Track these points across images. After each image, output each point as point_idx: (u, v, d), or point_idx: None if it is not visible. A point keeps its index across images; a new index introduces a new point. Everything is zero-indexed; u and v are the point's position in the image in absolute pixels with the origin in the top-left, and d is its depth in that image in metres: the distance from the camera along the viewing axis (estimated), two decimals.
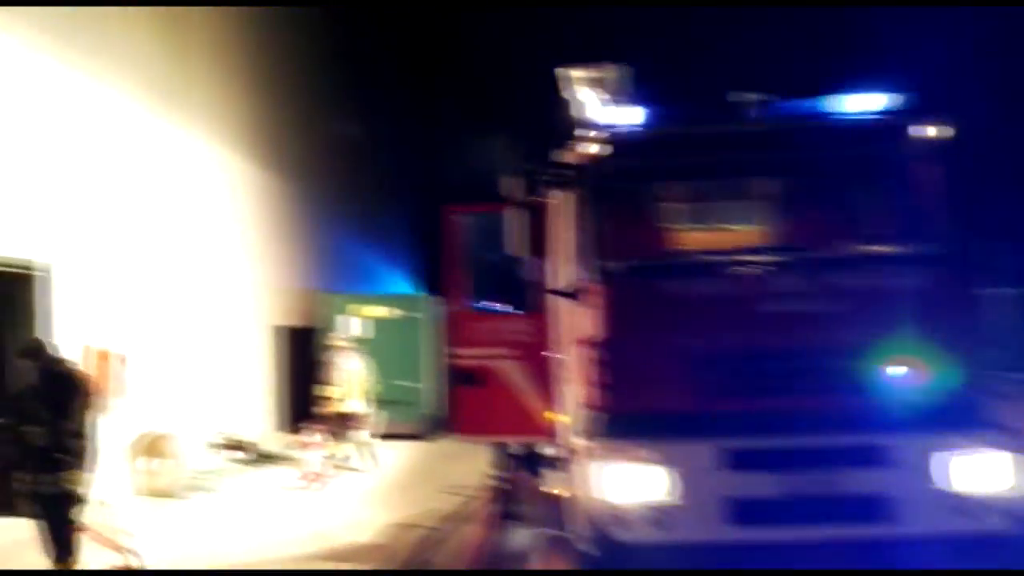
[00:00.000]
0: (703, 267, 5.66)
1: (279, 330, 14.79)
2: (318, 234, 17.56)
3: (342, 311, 14.08)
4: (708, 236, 6.40)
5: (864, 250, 5.72)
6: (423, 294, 16.09)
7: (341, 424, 10.65)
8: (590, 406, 5.43)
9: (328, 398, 10.61)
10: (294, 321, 15.15)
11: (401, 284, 24.01)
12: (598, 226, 5.71)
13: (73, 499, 5.84)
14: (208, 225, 12.44)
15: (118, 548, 7.09)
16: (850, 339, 5.30)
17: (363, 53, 20.13)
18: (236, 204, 13.52)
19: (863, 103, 5.91)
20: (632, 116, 6.01)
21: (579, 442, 5.59)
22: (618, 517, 5.09)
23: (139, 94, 10.32)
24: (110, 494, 8.85)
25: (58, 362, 6.02)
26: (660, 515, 5.05)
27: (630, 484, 5.12)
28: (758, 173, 6.02)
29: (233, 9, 13.18)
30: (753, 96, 6.02)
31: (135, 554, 6.76)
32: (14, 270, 8.03)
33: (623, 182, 5.86)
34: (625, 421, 5.23)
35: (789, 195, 6.10)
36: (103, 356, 8.95)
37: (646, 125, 5.95)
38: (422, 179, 25.36)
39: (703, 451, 5.12)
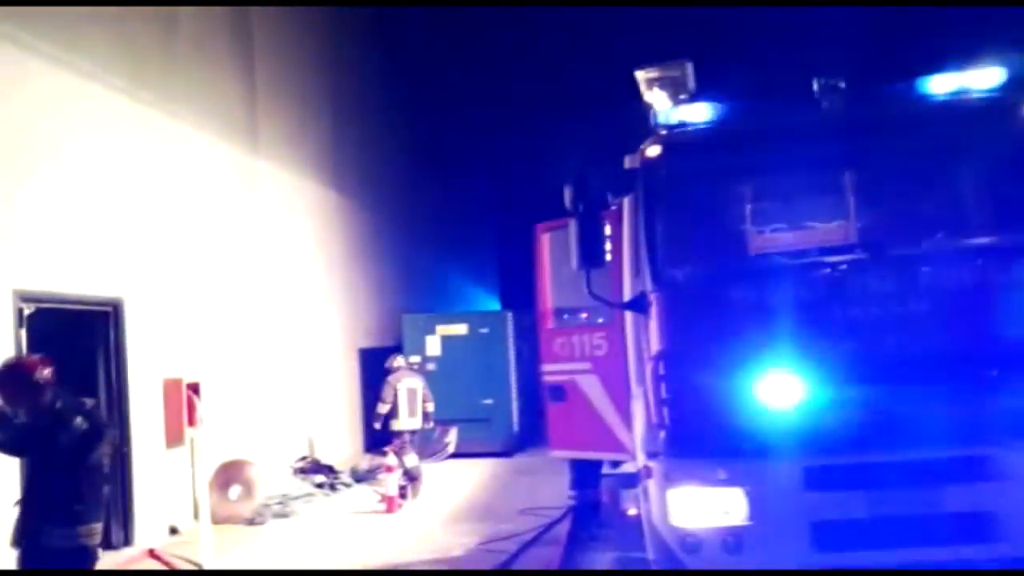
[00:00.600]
0: (779, 270, 5.26)
1: (365, 352, 14.84)
2: (403, 255, 17.64)
3: (425, 330, 14.01)
4: (786, 237, 5.93)
5: (963, 244, 5.20)
6: (505, 311, 15.91)
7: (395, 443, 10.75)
8: (657, 423, 5.08)
9: (377, 415, 10.79)
10: (380, 342, 15.19)
11: (484, 301, 23.95)
12: (663, 232, 5.41)
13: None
14: (292, 252, 12.58)
15: None
16: (950, 342, 4.82)
17: (442, 73, 20.23)
18: (319, 230, 13.65)
19: (964, 81, 5.41)
20: (699, 113, 5.70)
21: (647, 461, 5.24)
22: (687, 542, 4.72)
23: (211, 126, 10.49)
24: (185, 522, 8.97)
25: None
26: (733, 540, 4.66)
27: (700, 506, 4.74)
28: (842, 165, 5.55)
29: (303, 33, 13.35)
30: (834, 81, 5.58)
31: None
32: (90, 307, 8.16)
33: (689, 183, 5.56)
34: (694, 439, 4.87)
35: (878, 187, 5.60)
36: (180, 386, 9.06)
37: (715, 121, 5.63)
38: (506, 196, 25.31)
39: (782, 469, 4.71)
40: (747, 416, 4.81)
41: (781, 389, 4.79)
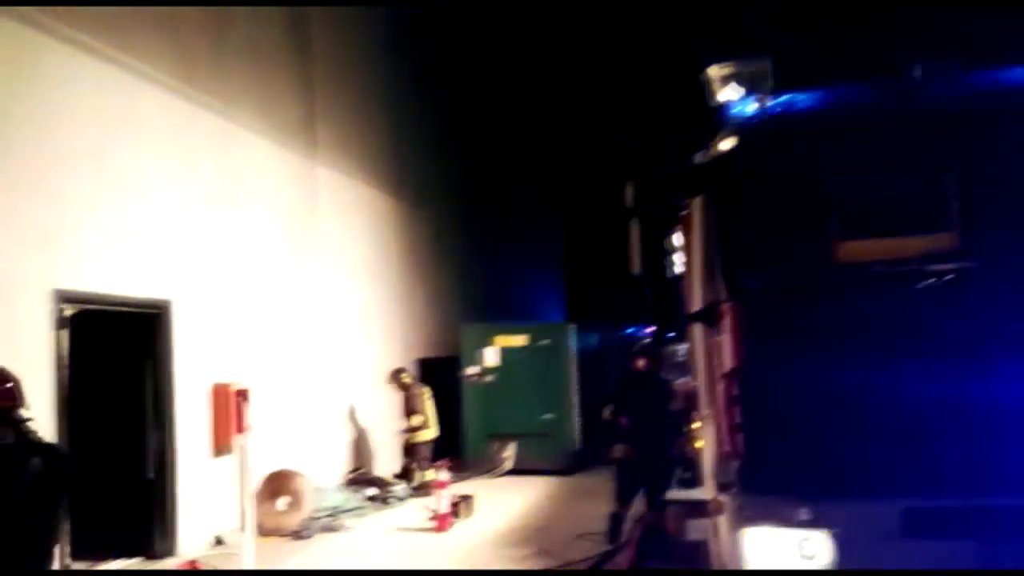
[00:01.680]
0: (874, 280, 4.60)
1: (423, 363, 14.48)
2: (463, 264, 17.27)
3: (484, 341, 13.55)
4: (882, 244, 5.28)
5: None
6: (567, 323, 15.36)
7: (423, 455, 11.15)
8: (730, 451, 4.49)
9: (413, 428, 11.24)
10: (439, 352, 14.82)
11: (548, 313, 23.44)
12: (739, 235, 4.82)
13: None
14: (348, 258, 12.30)
15: None
16: None
17: (506, 75, 19.83)
18: (377, 236, 13.37)
19: None
20: (781, 107, 5.13)
21: (718, 494, 4.64)
22: None
23: (267, 127, 10.27)
24: (230, 533, 8.65)
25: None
26: None
27: (778, 549, 4.13)
28: (950, 162, 4.87)
29: (361, 35, 13.10)
30: (940, 66, 4.93)
31: None
32: (136, 310, 7.93)
33: (770, 182, 4.95)
34: (773, 471, 4.25)
35: (992, 188, 4.89)
36: (228, 392, 8.79)
37: (799, 113, 5.07)
38: (572, 204, 24.85)
39: (877, 510, 4.06)
40: (835, 447, 4.18)
41: (876, 417, 4.15)
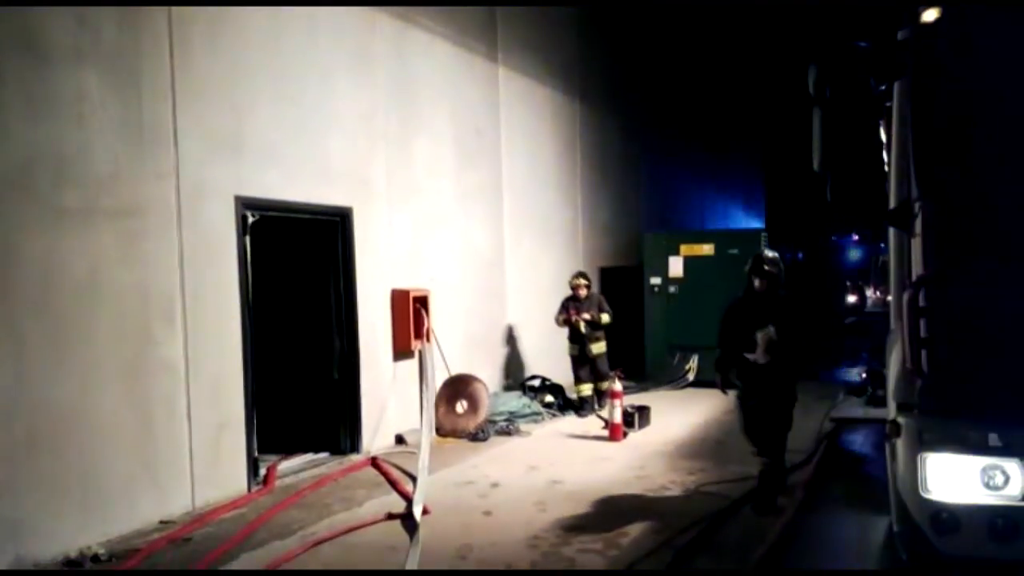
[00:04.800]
0: None
1: (605, 271, 14.29)
2: (655, 171, 16.72)
3: (668, 250, 13.10)
4: None
5: None
6: (758, 230, 14.52)
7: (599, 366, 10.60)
8: (912, 368, 3.98)
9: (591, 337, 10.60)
10: (624, 262, 14.55)
11: (744, 221, 22.37)
12: (939, 122, 4.20)
13: None
14: (532, 163, 12.19)
15: (403, 493, 7.04)
16: None
17: None
18: (562, 141, 13.14)
19: None
20: None
21: (898, 415, 4.16)
22: (942, 519, 3.66)
23: (449, 29, 10.15)
24: (412, 434, 9.01)
25: None
26: (1005, 524, 3.54)
27: (962, 478, 3.65)
28: None
29: None
30: None
31: (414, 502, 6.56)
32: (318, 217, 8.21)
33: (980, 60, 4.25)
34: (961, 392, 3.73)
35: None
36: (408, 298, 9.04)
37: None
38: (772, 108, 23.33)
39: None
40: None
41: None
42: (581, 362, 10.57)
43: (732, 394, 6.79)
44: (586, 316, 10.39)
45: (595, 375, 10.54)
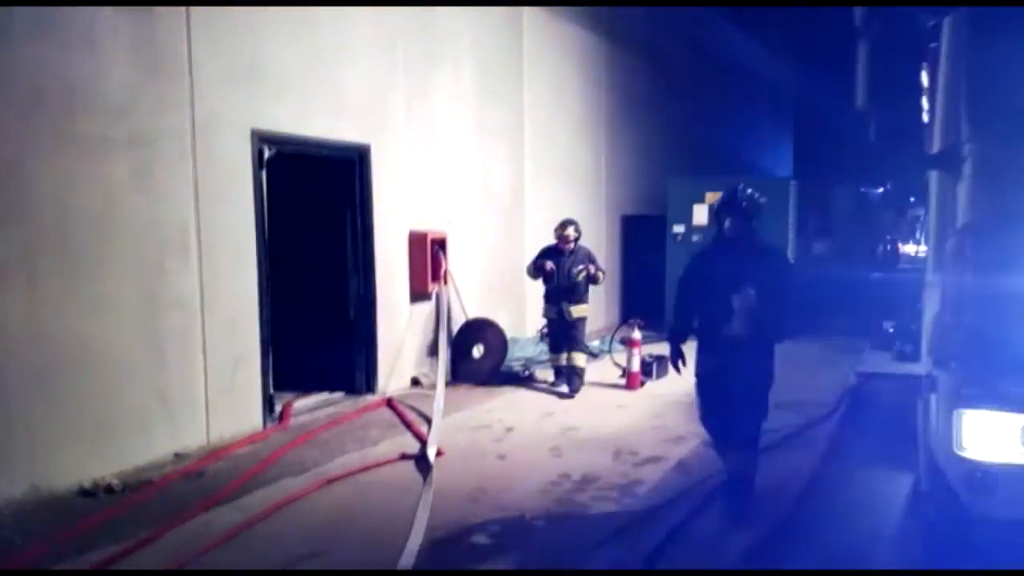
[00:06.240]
0: None
1: (627, 219, 14.05)
2: (683, 116, 16.33)
3: (693, 197, 12.78)
4: None
5: None
6: (787, 178, 14.17)
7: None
8: (952, 320, 3.80)
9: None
10: (647, 210, 14.28)
11: (771, 168, 21.93)
12: (991, 61, 3.96)
13: None
14: (556, 105, 11.88)
15: (417, 434, 6.99)
16: None
17: None
18: (588, 82, 12.79)
19: None
20: None
21: (933, 369, 3.99)
22: (976, 478, 3.52)
23: None
24: (427, 376, 8.94)
25: None
26: None
27: (1000, 435, 3.49)
28: None
29: None
30: None
31: (428, 444, 6.51)
32: (335, 153, 8.03)
33: None
34: (1002, 346, 3.55)
35: None
36: (425, 240, 8.89)
37: None
38: (803, 53, 22.70)
39: None
40: None
41: None
42: (559, 326, 8.77)
43: (688, 371, 5.38)
44: (587, 269, 8.54)
45: (570, 343, 8.69)
